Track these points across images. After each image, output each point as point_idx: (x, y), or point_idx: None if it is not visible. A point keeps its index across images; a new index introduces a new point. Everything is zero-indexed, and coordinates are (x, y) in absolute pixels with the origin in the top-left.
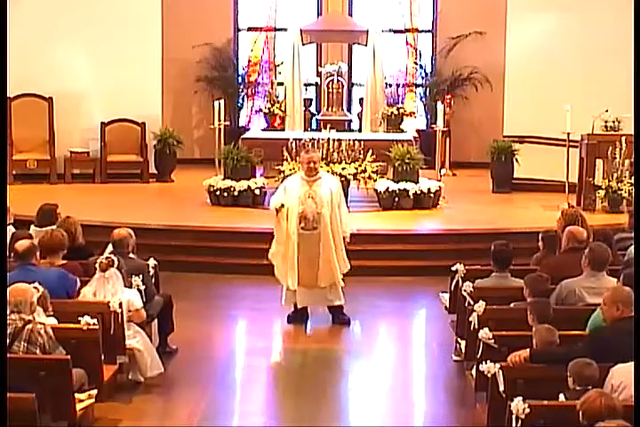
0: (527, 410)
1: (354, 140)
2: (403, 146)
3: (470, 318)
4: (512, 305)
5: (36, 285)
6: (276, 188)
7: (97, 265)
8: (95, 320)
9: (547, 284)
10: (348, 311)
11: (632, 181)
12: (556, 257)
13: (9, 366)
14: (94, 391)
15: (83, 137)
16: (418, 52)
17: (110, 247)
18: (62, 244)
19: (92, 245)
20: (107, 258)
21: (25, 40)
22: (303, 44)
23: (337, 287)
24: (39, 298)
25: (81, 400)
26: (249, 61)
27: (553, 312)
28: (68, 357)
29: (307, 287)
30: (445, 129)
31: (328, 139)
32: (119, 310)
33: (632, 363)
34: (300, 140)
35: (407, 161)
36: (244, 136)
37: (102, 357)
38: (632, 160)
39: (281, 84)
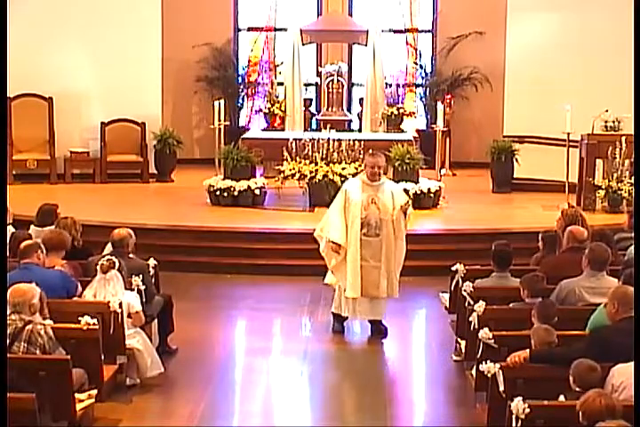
0: (527, 410)
1: (354, 140)
2: (403, 146)
3: (470, 318)
4: (511, 306)
5: (33, 285)
6: (333, 196)
7: (98, 267)
8: (95, 320)
9: (543, 283)
10: None
11: (632, 181)
12: (555, 257)
13: (9, 366)
14: (94, 391)
15: (83, 137)
16: (418, 52)
17: (109, 247)
18: (66, 242)
19: (92, 245)
20: (108, 260)
21: (25, 40)
22: (303, 44)
23: (386, 300)
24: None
25: (81, 400)
26: (249, 61)
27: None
28: (68, 357)
29: (368, 298)
30: (445, 129)
31: (328, 139)
32: (119, 310)
33: (632, 363)
34: (300, 140)
35: (407, 161)
36: (244, 136)
37: (102, 357)
38: (632, 160)
39: (281, 84)
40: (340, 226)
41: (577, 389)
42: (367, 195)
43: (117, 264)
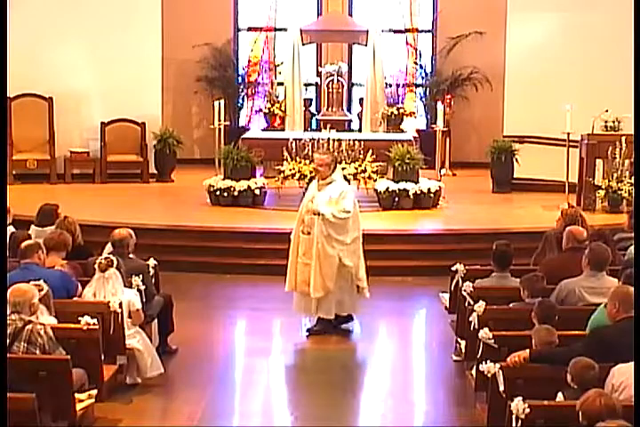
0: (527, 410)
1: (354, 140)
2: (403, 146)
3: (470, 318)
4: (511, 306)
5: (41, 282)
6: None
7: (96, 265)
8: (95, 320)
9: (542, 282)
10: None
11: (632, 181)
12: (555, 257)
13: (9, 366)
14: (94, 391)
15: (83, 137)
16: (418, 52)
17: (109, 247)
18: (67, 243)
19: (92, 245)
20: (106, 258)
21: (25, 40)
22: (303, 44)
23: (328, 299)
24: (42, 297)
25: (81, 400)
26: (249, 61)
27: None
28: (68, 357)
29: (302, 294)
30: (445, 129)
31: (328, 139)
32: (119, 310)
33: (632, 363)
34: (300, 140)
35: (407, 161)
36: (244, 136)
37: (102, 357)
38: (632, 160)
39: (281, 84)
40: (295, 226)
41: (574, 386)
42: (312, 193)
43: (115, 262)
